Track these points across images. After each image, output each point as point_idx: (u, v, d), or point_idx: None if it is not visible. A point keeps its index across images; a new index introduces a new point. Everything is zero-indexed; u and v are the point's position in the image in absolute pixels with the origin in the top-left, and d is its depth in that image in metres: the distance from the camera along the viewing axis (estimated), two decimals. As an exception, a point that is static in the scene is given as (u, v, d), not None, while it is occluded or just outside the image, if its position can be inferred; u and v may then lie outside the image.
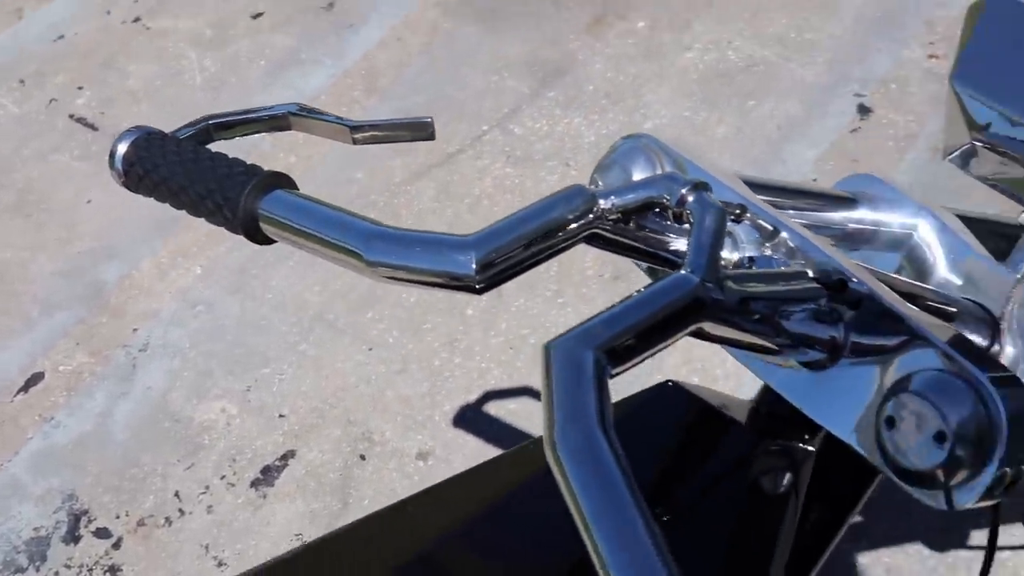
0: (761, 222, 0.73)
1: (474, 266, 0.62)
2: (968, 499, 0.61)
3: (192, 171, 0.77)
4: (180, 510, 1.87)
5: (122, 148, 0.80)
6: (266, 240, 0.75)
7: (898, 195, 0.85)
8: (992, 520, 0.82)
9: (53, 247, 2.33)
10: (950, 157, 0.89)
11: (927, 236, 0.84)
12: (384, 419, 1.92)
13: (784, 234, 0.72)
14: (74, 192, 2.44)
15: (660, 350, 0.57)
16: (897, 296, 0.68)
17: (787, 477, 0.82)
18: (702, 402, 0.83)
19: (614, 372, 0.54)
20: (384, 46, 2.67)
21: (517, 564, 0.75)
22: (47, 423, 2.01)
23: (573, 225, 0.65)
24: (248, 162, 0.77)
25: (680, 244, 0.72)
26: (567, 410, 0.50)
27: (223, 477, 1.90)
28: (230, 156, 0.79)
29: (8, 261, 2.31)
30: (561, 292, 2.07)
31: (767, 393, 0.85)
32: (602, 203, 0.67)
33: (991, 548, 0.83)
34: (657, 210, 0.69)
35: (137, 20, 2.87)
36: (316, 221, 0.71)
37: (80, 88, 2.69)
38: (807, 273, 0.68)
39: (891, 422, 0.63)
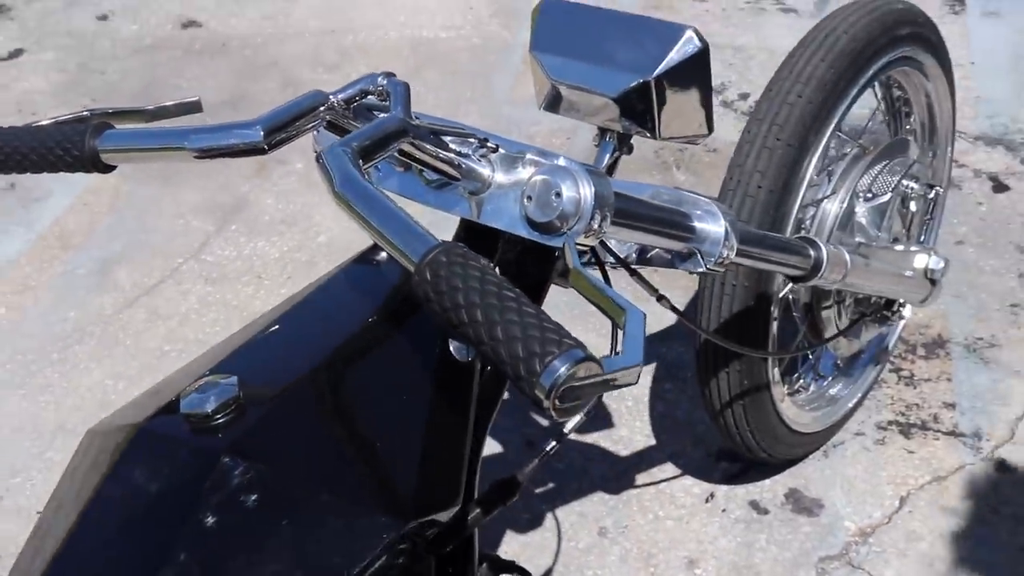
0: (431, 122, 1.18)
1: (262, 135, 1.02)
2: (578, 232, 1.01)
3: (34, 135, 1.11)
4: (-47, 609, 1.99)
5: None
6: (107, 168, 1.10)
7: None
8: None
9: None
10: (542, 105, 1.37)
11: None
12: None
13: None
14: None
15: (386, 155, 0.99)
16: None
17: None
18: None
19: (364, 166, 0.94)
20: (73, 211, 2.96)
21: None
22: None
23: (316, 111, 1.07)
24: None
25: None
26: (341, 175, 0.90)
27: (-9, 575, 2.04)
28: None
29: None
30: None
31: (459, 228, 1.26)
32: (332, 98, 1.10)
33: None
34: (368, 99, 1.12)
35: None
36: (143, 140, 1.08)
37: None
38: (465, 130, 1.13)
39: (529, 198, 1.05)
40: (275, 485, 0.89)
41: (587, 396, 0.76)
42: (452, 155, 1.08)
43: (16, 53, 3.79)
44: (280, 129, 1.03)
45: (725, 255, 1.17)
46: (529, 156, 1.11)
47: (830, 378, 2.16)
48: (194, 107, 1.23)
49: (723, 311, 1.72)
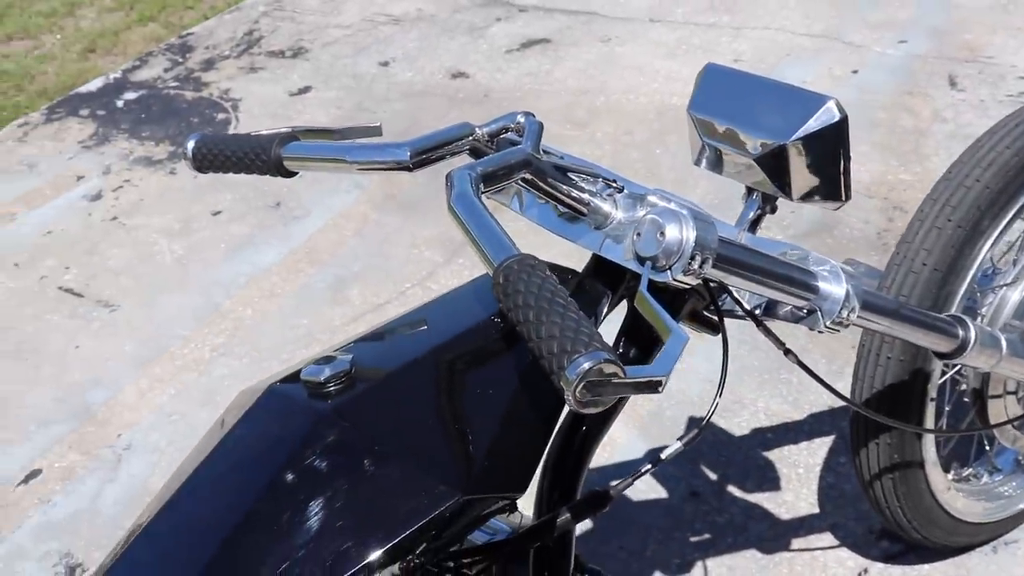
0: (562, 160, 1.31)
1: (408, 155, 1.19)
2: (678, 270, 1.12)
3: (238, 141, 1.34)
4: (161, 559, 2.26)
5: (191, 143, 1.38)
6: (289, 173, 1.31)
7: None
8: (723, 340, 1.35)
9: (48, 380, 2.79)
10: (696, 161, 1.47)
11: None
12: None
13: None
14: (64, 341, 2.92)
15: (507, 183, 1.13)
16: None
17: (604, 311, 1.33)
18: (554, 267, 1.35)
19: (484, 190, 1.09)
20: (324, 231, 3.28)
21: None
22: (45, 504, 2.42)
23: (462, 140, 1.23)
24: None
25: None
26: (457, 191, 1.05)
27: (197, 535, 2.31)
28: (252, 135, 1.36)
29: (9, 392, 2.77)
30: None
31: (590, 259, 1.38)
32: (477, 130, 1.26)
33: (724, 361, 1.34)
34: (509, 134, 1.28)
35: (115, 219, 3.45)
36: (316, 151, 1.28)
37: (67, 268, 3.23)
38: (593, 169, 1.26)
39: (638, 235, 1.16)
40: (361, 446, 1.05)
41: (608, 394, 0.87)
42: (577, 191, 1.22)
43: (305, 90, 4.22)
44: (426, 152, 1.20)
45: (845, 315, 1.24)
46: (649, 198, 1.23)
47: (1007, 473, 2.11)
48: (375, 131, 1.42)
49: (876, 382, 1.75)
